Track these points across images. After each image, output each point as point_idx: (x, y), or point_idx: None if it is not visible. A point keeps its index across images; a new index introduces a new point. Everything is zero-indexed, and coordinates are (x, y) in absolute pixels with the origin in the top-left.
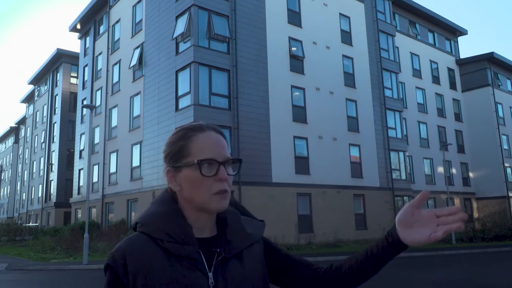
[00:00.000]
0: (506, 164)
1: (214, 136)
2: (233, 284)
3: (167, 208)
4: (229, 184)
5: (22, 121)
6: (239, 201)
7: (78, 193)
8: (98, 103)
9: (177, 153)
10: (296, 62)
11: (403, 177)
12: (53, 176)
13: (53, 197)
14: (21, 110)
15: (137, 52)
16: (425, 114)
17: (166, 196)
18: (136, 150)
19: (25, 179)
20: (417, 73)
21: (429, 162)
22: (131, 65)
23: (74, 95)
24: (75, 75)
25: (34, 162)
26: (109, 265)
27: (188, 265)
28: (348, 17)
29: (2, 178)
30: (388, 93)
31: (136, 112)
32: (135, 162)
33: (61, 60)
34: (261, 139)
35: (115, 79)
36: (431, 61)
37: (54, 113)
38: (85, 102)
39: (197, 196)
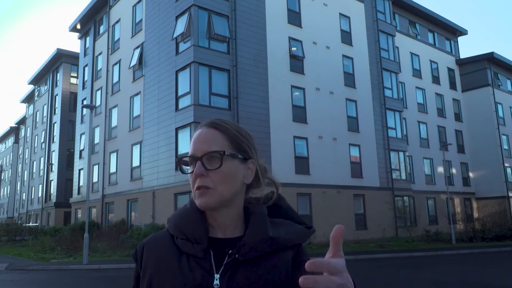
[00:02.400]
0: (506, 164)
1: (201, 132)
2: None
3: (190, 207)
4: (215, 179)
5: (22, 121)
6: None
7: (78, 193)
8: (98, 103)
9: None
10: (296, 62)
11: (403, 177)
12: (53, 176)
13: (53, 197)
14: (21, 110)
15: (137, 52)
16: (425, 114)
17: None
18: (136, 150)
19: (25, 179)
20: (417, 73)
21: (429, 162)
22: (131, 65)
23: (74, 95)
24: (75, 75)
25: (34, 162)
26: (133, 257)
27: (194, 263)
28: (348, 17)
29: (2, 178)
30: (388, 93)
31: (136, 112)
32: (135, 162)
33: (61, 60)
34: (261, 139)
35: (115, 79)
36: (431, 61)
37: (54, 113)
38: (85, 102)
39: (192, 193)
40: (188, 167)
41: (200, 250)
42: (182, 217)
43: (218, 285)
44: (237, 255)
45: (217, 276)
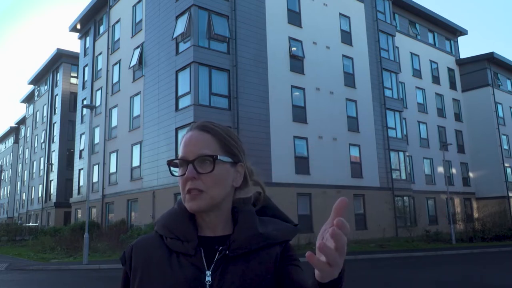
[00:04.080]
0: (506, 164)
1: (192, 134)
2: (231, 286)
3: (178, 207)
4: (206, 183)
5: (22, 121)
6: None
7: (78, 193)
8: (98, 103)
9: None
10: (296, 62)
11: (403, 177)
12: (53, 176)
13: (53, 197)
14: (21, 110)
15: (137, 52)
16: (425, 114)
17: None
18: (136, 150)
19: (25, 179)
20: (417, 73)
21: (429, 162)
22: (131, 65)
23: (74, 95)
24: (75, 75)
25: (34, 162)
26: (121, 261)
27: (185, 261)
28: (348, 17)
29: (2, 178)
30: (388, 93)
31: (136, 112)
32: (135, 162)
33: (61, 60)
34: (261, 139)
35: (115, 79)
36: (431, 61)
37: (54, 113)
38: (85, 102)
39: (181, 195)
40: (176, 169)
41: (191, 247)
42: (170, 217)
43: (210, 281)
44: (227, 252)
45: (208, 272)
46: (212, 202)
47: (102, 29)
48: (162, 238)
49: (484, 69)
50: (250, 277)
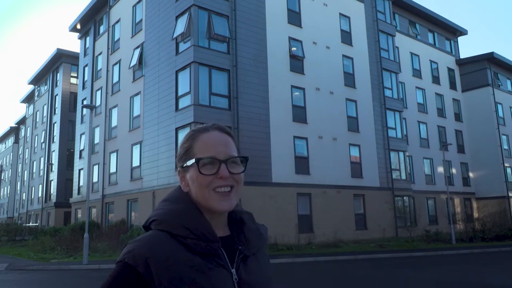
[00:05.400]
0: (506, 164)
1: (216, 135)
2: (255, 281)
3: (184, 205)
4: (235, 183)
5: (22, 121)
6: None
7: (78, 193)
8: (98, 103)
9: (184, 154)
10: (296, 62)
11: (403, 177)
12: (53, 176)
13: (53, 197)
14: (21, 110)
15: (137, 52)
16: (425, 114)
17: (181, 193)
18: (136, 150)
19: (25, 179)
20: (417, 73)
21: (429, 162)
22: (131, 65)
23: (74, 95)
24: (75, 75)
25: (34, 162)
26: (127, 263)
27: (213, 262)
28: (348, 17)
29: (2, 178)
30: (388, 93)
31: (136, 112)
32: (135, 162)
33: (61, 60)
34: (261, 139)
35: (115, 79)
36: (431, 61)
37: (54, 113)
38: (85, 102)
39: (201, 195)
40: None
41: (218, 248)
42: (184, 216)
43: (237, 279)
44: (244, 251)
45: (233, 271)
46: (236, 201)
47: (102, 29)
48: (174, 238)
49: (484, 69)
50: (264, 272)
